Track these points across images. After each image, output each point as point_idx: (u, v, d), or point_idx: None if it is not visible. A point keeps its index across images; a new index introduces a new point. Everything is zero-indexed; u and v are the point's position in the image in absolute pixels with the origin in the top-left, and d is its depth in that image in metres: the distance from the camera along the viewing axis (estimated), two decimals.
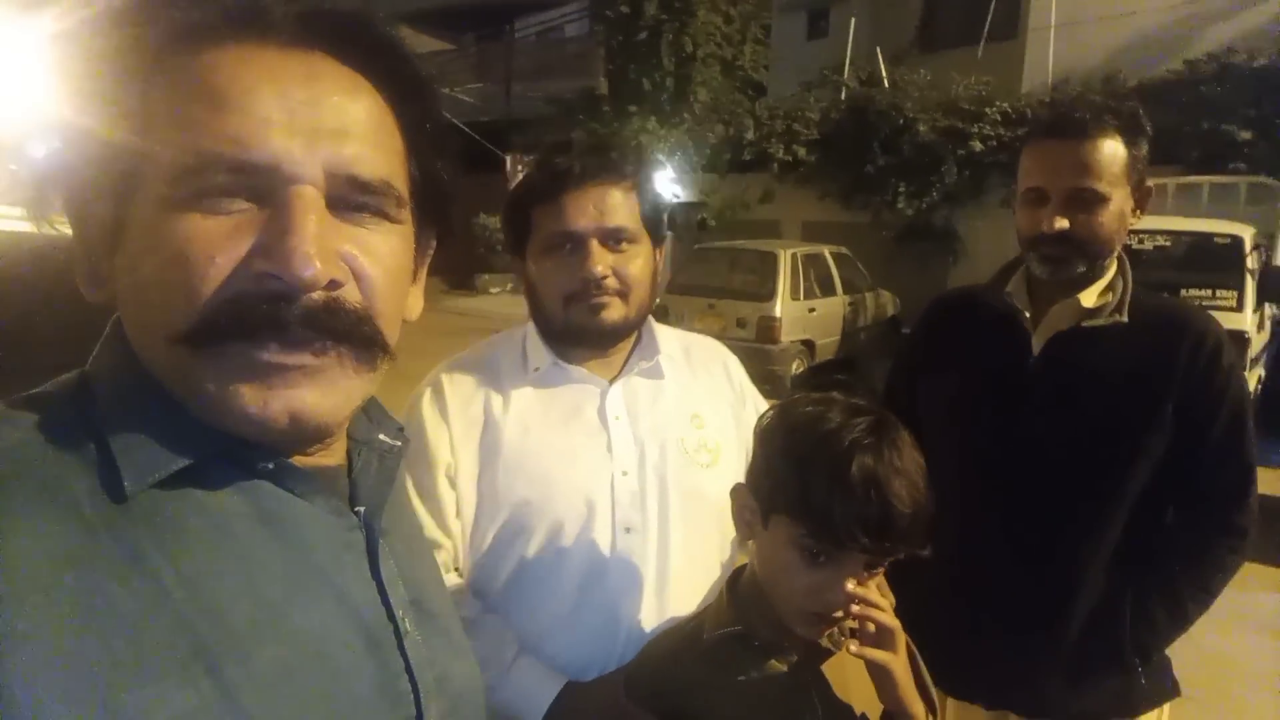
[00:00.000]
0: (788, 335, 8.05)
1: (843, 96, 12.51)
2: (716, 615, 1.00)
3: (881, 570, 0.93)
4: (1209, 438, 1.35)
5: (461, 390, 1.21)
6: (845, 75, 13.10)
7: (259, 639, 0.49)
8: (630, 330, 1.23)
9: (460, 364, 1.25)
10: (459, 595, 1.16)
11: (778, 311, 7.99)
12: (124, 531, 0.46)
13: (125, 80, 0.49)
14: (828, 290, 8.85)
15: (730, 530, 1.25)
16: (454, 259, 15.49)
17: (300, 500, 0.55)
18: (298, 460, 0.56)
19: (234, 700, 0.46)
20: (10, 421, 0.48)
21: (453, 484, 1.17)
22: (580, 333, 1.18)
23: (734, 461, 1.25)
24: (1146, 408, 1.34)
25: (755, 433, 0.97)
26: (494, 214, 15.47)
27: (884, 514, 0.83)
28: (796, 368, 8.39)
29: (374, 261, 0.54)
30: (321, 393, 0.52)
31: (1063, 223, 1.34)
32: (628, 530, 1.16)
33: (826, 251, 9.13)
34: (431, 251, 0.66)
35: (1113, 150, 1.33)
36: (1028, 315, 1.45)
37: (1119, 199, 1.34)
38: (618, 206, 1.16)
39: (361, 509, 0.60)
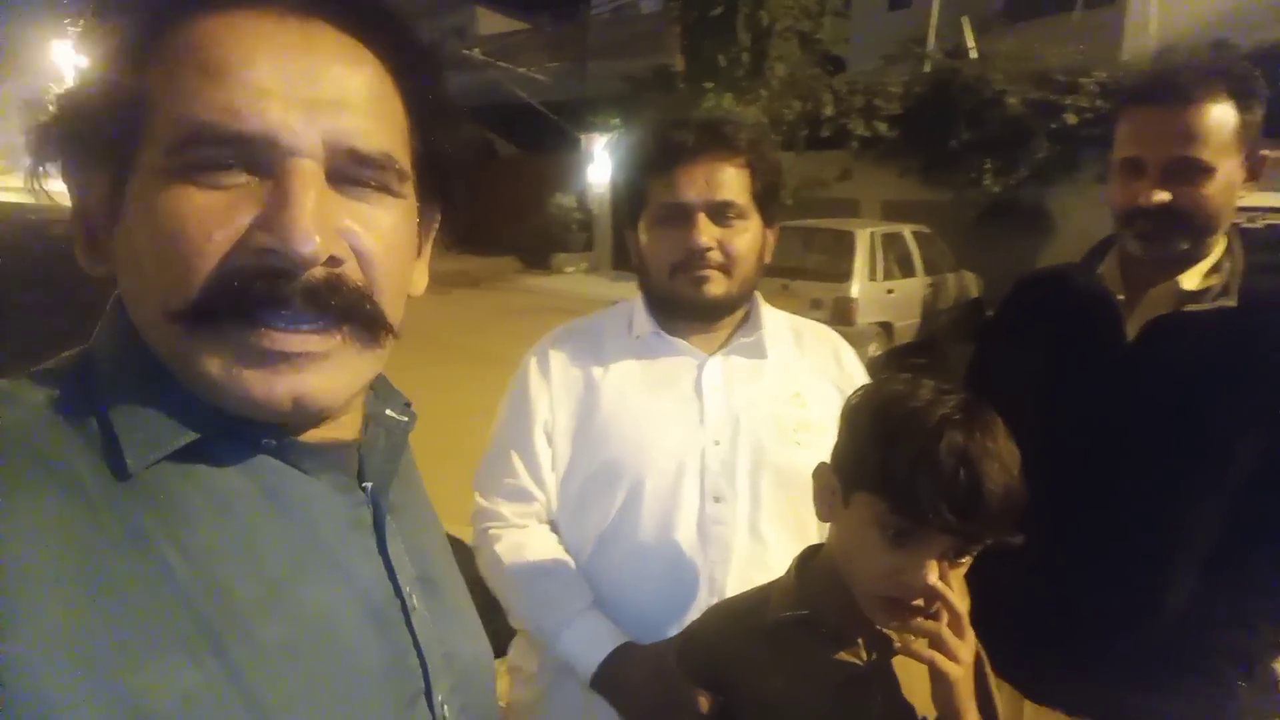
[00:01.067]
0: (864, 317, 7.87)
1: (926, 69, 12.06)
2: (782, 595, 0.99)
3: (964, 565, 0.88)
4: None
5: (565, 352, 1.29)
6: (929, 47, 12.62)
7: (265, 616, 0.49)
8: (733, 306, 1.25)
9: (567, 330, 1.34)
10: (546, 540, 1.24)
11: (854, 292, 7.81)
12: (127, 509, 0.46)
13: (122, 48, 0.48)
14: (907, 271, 8.61)
15: None
16: (530, 238, 15.65)
17: (306, 476, 0.55)
18: (308, 436, 0.56)
19: (240, 678, 0.46)
20: (12, 399, 0.48)
21: (550, 440, 1.25)
22: (682, 304, 1.22)
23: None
24: (1254, 401, 1.23)
25: (842, 412, 0.95)
26: (569, 193, 15.60)
27: (972, 492, 0.79)
28: (873, 350, 8.20)
29: (375, 237, 0.53)
30: (325, 377, 0.51)
31: (1163, 195, 1.22)
32: (717, 499, 1.19)
33: (907, 230, 8.87)
34: (436, 225, 0.65)
35: (1221, 115, 1.20)
36: (1121, 298, 1.34)
37: (1227, 169, 1.22)
38: (728, 181, 1.19)
39: (369, 485, 0.59)
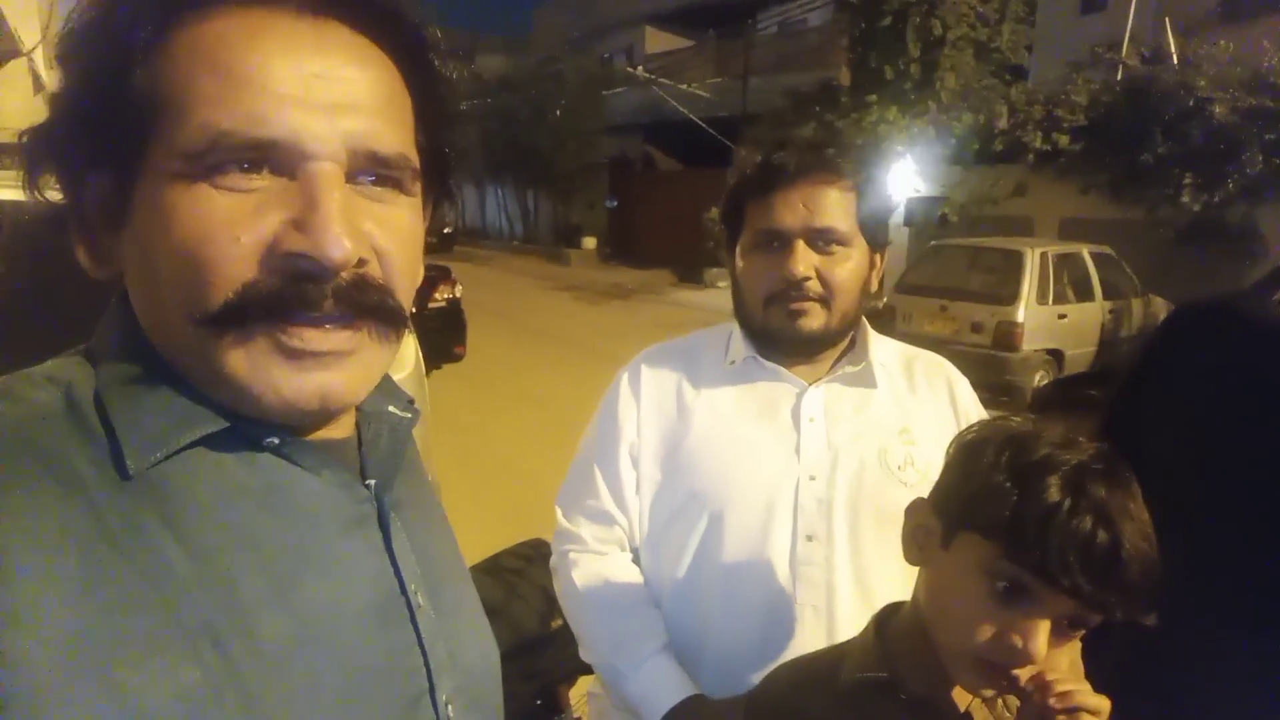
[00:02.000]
0: (1030, 343, 7.33)
1: (1119, 77, 11.08)
2: (861, 655, 0.89)
3: (1078, 638, 0.77)
4: None
5: (658, 373, 1.24)
6: (1123, 52, 11.59)
7: (266, 614, 0.49)
8: (833, 340, 1.18)
9: (663, 349, 1.30)
10: (626, 571, 1.21)
11: (1020, 316, 7.30)
12: (128, 508, 0.46)
13: (129, 49, 0.48)
14: (1084, 295, 7.93)
15: None
16: (685, 252, 15.79)
17: (308, 474, 0.55)
18: (307, 434, 0.56)
19: (240, 676, 0.46)
20: (13, 397, 0.48)
21: (635, 462, 1.20)
22: (777, 337, 1.16)
23: None
24: None
25: (954, 445, 0.86)
26: None
27: (1111, 552, 0.70)
28: (1040, 379, 7.61)
29: (393, 236, 0.53)
30: (350, 373, 0.52)
31: None
32: (810, 539, 1.12)
33: (1085, 251, 8.18)
34: (430, 217, 0.64)
35: None
36: None
37: None
38: (830, 206, 1.12)
39: (373, 482, 0.59)
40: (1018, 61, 13.25)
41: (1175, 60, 10.53)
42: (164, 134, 0.47)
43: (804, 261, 1.10)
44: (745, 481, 1.14)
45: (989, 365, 7.47)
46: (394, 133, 0.53)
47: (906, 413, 1.20)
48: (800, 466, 1.13)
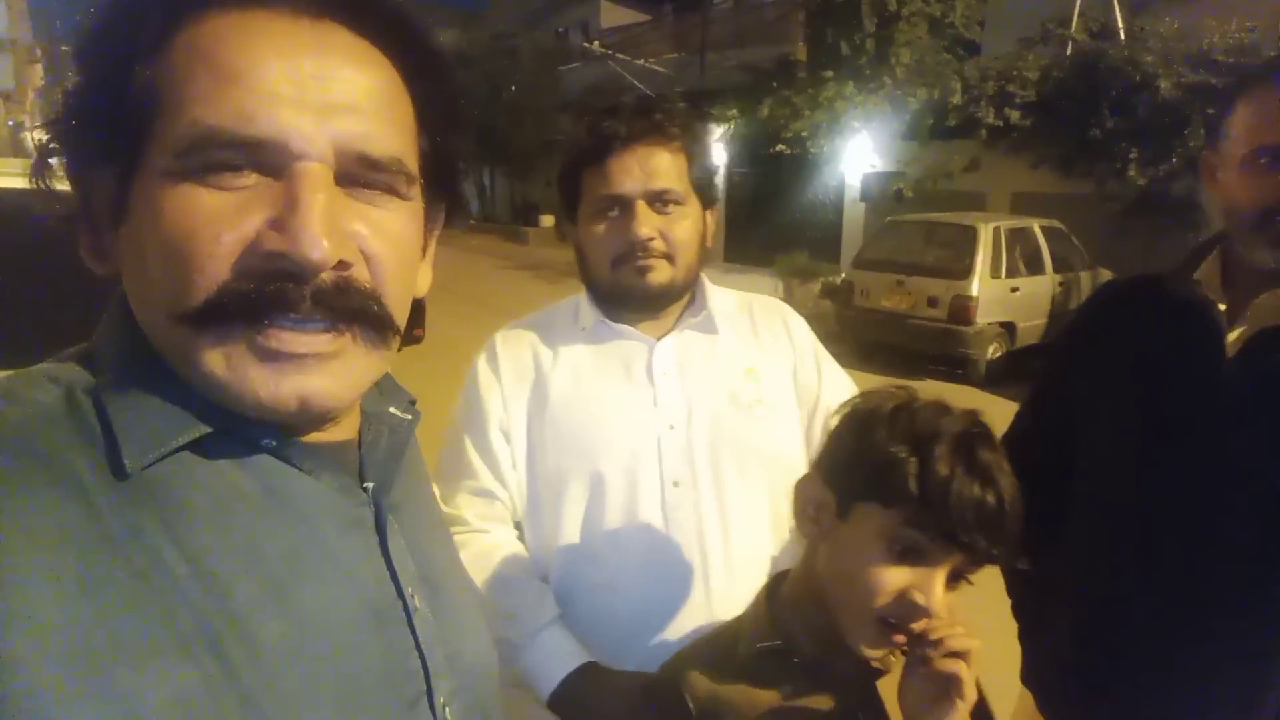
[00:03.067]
0: (984, 316, 7.48)
1: (1068, 52, 11.25)
2: (754, 625, 0.93)
3: (956, 588, 0.84)
4: None
5: (514, 348, 1.27)
6: (1072, 28, 11.76)
7: (264, 616, 0.49)
8: (679, 293, 1.23)
9: (515, 326, 1.31)
10: (511, 547, 1.22)
11: (974, 290, 7.44)
12: (127, 508, 0.46)
13: (132, 48, 0.48)
14: (1035, 268, 8.11)
15: (788, 479, 1.21)
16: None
17: (306, 476, 0.55)
18: (308, 435, 0.56)
19: (237, 677, 0.46)
20: (12, 397, 0.48)
21: (507, 438, 1.23)
22: (627, 295, 1.20)
23: (789, 417, 1.25)
24: None
25: (838, 420, 0.90)
26: None
27: (998, 510, 0.78)
28: (994, 352, 7.77)
29: (383, 241, 0.53)
30: (333, 377, 0.51)
31: None
32: (676, 484, 1.17)
33: (1036, 225, 8.35)
34: (440, 226, 0.64)
35: None
36: (1222, 308, 1.18)
37: None
38: (664, 168, 1.16)
39: (370, 485, 0.59)
40: (970, 37, 13.37)
41: (1123, 36, 10.72)
42: (160, 132, 0.48)
43: (647, 223, 1.15)
44: (611, 439, 1.18)
45: (945, 338, 7.61)
46: (389, 136, 0.53)
47: (750, 353, 1.27)
48: (660, 418, 1.19)
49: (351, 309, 0.51)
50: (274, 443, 0.53)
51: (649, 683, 1.01)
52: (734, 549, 1.17)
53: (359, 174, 0.51)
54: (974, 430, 0.81)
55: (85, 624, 0.42)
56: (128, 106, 0.48)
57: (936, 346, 7.71)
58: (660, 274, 1.18)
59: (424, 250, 0.61)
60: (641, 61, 17.28)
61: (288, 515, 0.53)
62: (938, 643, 0.79)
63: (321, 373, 0.50)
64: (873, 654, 0.85)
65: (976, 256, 7.49)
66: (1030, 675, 1.41)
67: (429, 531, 0.67)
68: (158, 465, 0.48)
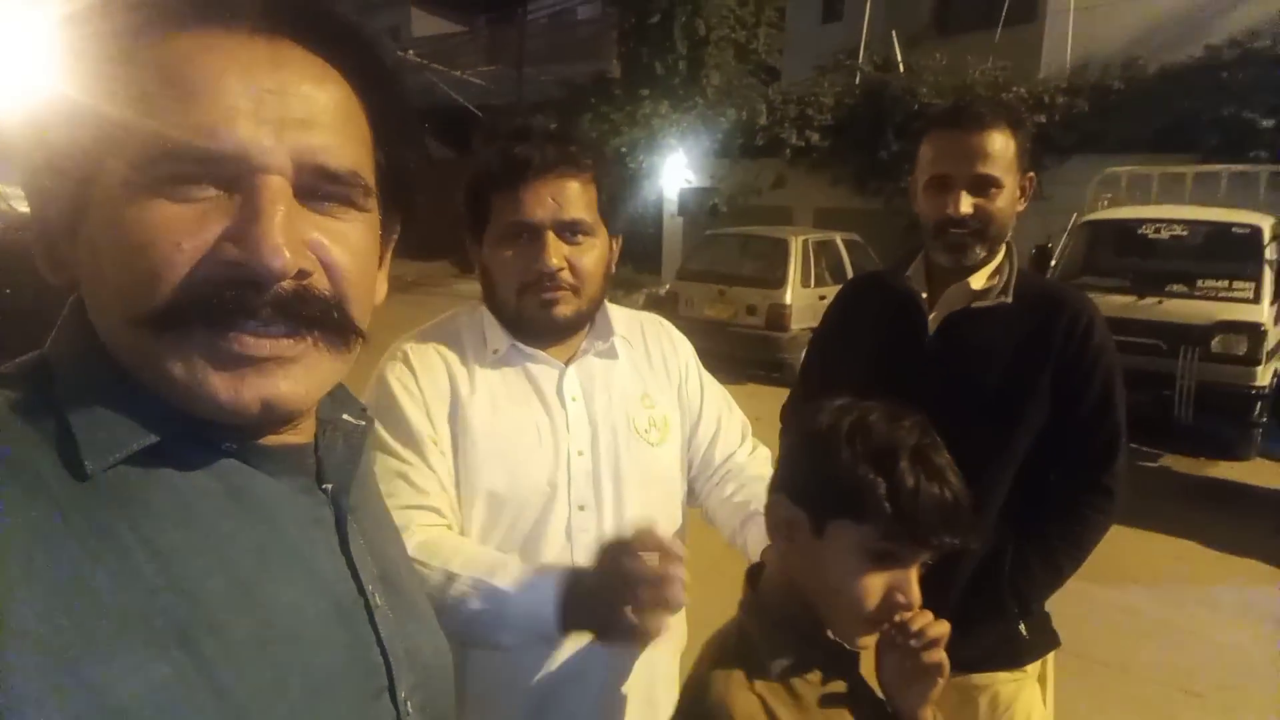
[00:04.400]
0: (798, 323, 8.01)
1: (857, 81, 12.36)
2: (766, 642, 0.94)
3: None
4: (1080, 408, 1.49)
5: (427, 363, 1.19)
6: (860, 60, 12.94)
7: (232, 612, 0.49)
8: (582, 323, 1.24)
9: (424, 336, 1.24)
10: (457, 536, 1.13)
11: (788, 299, 7.96)
12: (91, 509, 0.47)
13: (89, 63, 0.49)
14: (839, 278, 8.77)
15: (678, 498, 1.32)
16: (464, 243, 15.39)
17: (268, 477, 0.56)
18: (267, 439, 0.57)
19: (209, 672, 0.47)
20: None
21: (442, 452, 1.15)
22: (531, 324, 1.19)
23: (676, 440, 1.31)
24: (1027, 381, 1.49)
25: (796, 443, 0.96)
26: None
27: (955, 506, 0.86)
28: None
29: (342, 250, 0.54)
30: (294, 380, 0.52)
31: (968, 205, 1.47)
32: (581, 508, 1.19)
33: (838, 238, 9.07)
34: (396, 236, 0.66)
35: (1005, 141, 1.47)
36: (924, 297, 1.59)
37: (1010, 186, 1.49)
38: (575, 198, 1.15)
39: (329, 486, 0.60)
40: (772, 63, 14.34)
41: (902, 69, 11.92)
42: (120, 144, 0.49)
43: (555, 253, 1.14)
44: (525, 464, 1.17)
45: (764, 344, 8.08)
46: (346, 149, 0.54)
47: (644, 378, 1.31)
48: (570, 443, 1.20)
49: (311, 316, 0.52)
50: (234, 446, 0.54)
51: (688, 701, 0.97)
52: None
53: (317, 186, 0.53)
54: (926, 440, 0.89)
55: (58, 621, 0.42)
56: (87, 119, 0.48)
57: (756, 352, 8.17)
58: (566, 306, 1.17)
59: (380, 259, 0.63)
60: (458, 73, 16.98)
61: (251, 514, 0.54)
62: (919, 632, 0.89)
63: (283, 376, 0.52)
64: (864, 644, 0.94)
65: (789, 267, 8.04)
66: None
67: (384, 533, 0.70)
68: (120, 468, 0.49)
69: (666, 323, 1.44)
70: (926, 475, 0.86)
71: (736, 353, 8.17)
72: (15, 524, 0.43)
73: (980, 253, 1.51)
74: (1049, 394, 1.49)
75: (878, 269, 1.76)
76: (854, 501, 0.87)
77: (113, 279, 0.49)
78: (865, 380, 1.47)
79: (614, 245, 1.26)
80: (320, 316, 0.53)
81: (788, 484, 0.95)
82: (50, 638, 0.42)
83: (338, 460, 0.62)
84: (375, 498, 0.73)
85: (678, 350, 1.39)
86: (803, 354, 1.89)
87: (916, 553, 0.88)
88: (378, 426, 1.13)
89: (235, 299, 0.49)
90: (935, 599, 1.41)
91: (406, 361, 1.20)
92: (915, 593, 0.89)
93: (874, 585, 0.88)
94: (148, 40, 0.49)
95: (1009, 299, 1.52)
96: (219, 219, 0.49)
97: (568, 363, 1.24)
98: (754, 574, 1.03)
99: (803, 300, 8.08)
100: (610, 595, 0.90)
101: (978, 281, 1.54)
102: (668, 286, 9.09)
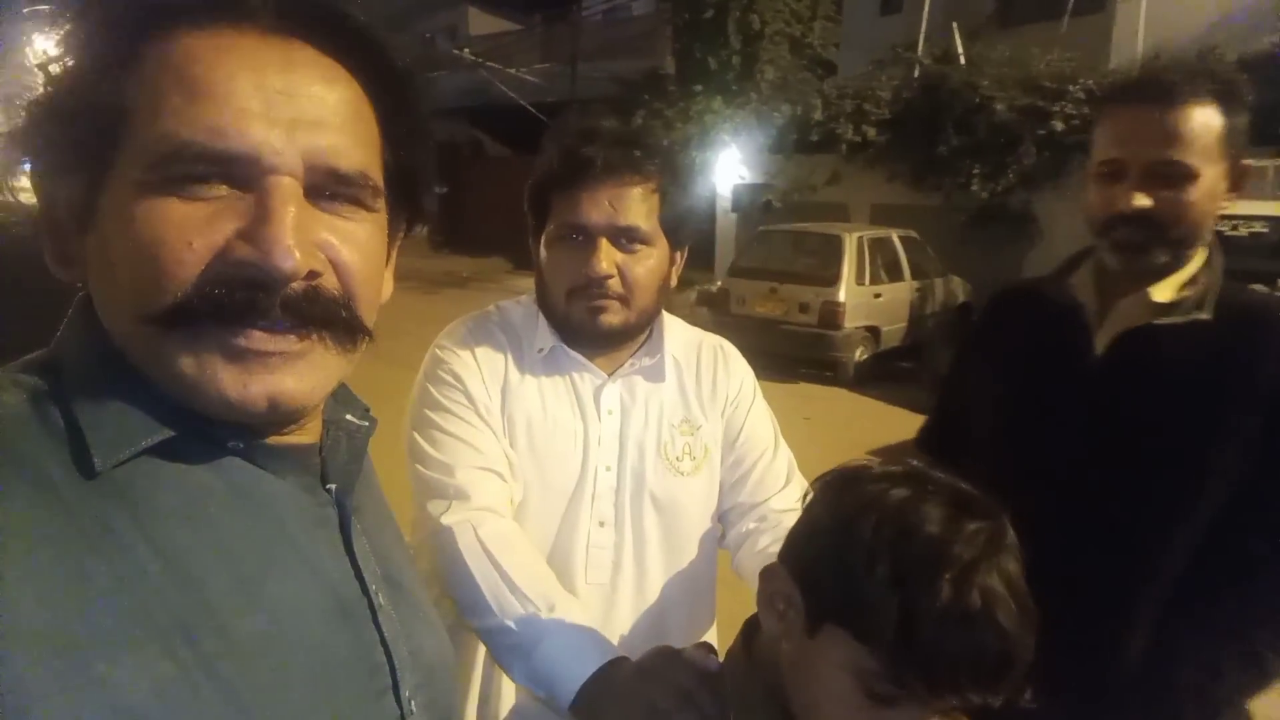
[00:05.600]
0: (851, 321, 7.90)
1: (915, 74, 12.10)
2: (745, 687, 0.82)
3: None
4: None
5: (486, 345, 1.20)
6: (919, 52, 12.66)
7: (236, 610, 0.50)
8: (632, 335, 1.21)
9: (480, 321, 1.25)
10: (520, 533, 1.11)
11: (842, 296, 7.85)
12: (99, 507, 0.47)
13: (102, 61, 0.49)
14: (895, 275, 8.64)
15: (706, 533, 1.26)
16: (519, 238, 15.55)
17: (273, 476, 0.57)
18: (272, 438, 0.57)
19: (213, 669, 0.47)
20: None
21: (493, 415, 1.16)
22: (578, 329, 1.17)
23: (716, 470, 1.27)
24: (1226, 422, 1.16)
25: (812, 507, 0.77)
26: None
27: (1002, 659, 0.64)
28: (860, 354, 8.22)
29: (351, 250, 0.55)
30: (300, 377, 0.53)
31: (1144, 200, 1.16)
32: (601, 524, 1.18)
33: (894, 235, 8.91)
34: (402, 236, 0.66)
35: (1205, 118, 1.14)
36: (1092, 310, 1.28)
37: (1210, 176, 1.15)
38: (635, 206, 1.12)
39: (333, 486, 0.61)
40: (828, 57, 14.13)
41: (963, 61, 11.63)
42: (131, 143, 0.49)
43: (607, 259, 1.11)
44: (554, 468, 1.17)
45: (816, 342, 7.98)
46: (356, 150, 0.55)
47: (688, 404, 1.26)
48: (601, 456, 1.18)
49: (320, 315, 0.53)
50: (240, 444, 0.55)
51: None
52: (645, 598, 1.19)
53: (327, 187, 0.53)
54: (990, 557, 0.65)
55: (65, 619, 0.43)
56: (98, 116, 0.49)
57: (808, 350, 8.08)
58: (613, 315, 1.14)
59: (387, 259, 0.63)
60: (513, 70, 17.16)
61: (256, 513, 0.54)
62: None
63: (290, 372, 0.52)
64: None
65: (843, 264, 7.92)
66: None
67: (387, 534, 0.70)
68: (127, 466, 0.49)
69: (729, 346, 1.37)
70: (967, 607, 0.62)
71: (788, 351, 8.09)
72: (21, 522, 0.44)
73: (1161, 257, 1.19)
74: (1257, 442, 1.15)
75: (1034, 276, 1.39)
76: (854, 614, 0.67)
77: (123, 276, 0.50)
78: (1010, 414, 1.34)
79: (677, 258, 1.21)
80: (329, 316, 0.53)
81: (791, 555, 0.77)
82: (57, 636, 0.42)
83: (341, 461, 0.62)
84: (378, 499, 0.73)
85: (730, 376, 1.32)
86: (942, 378, 1.60)
87: (928, 703, 0.66)
88: (433, 391, 1.17)
89: (246, 300, 0.49)
90: (1091, 699, 1.20)
91: (465, 338, 1.21)
92: None
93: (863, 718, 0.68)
94: (160, 39, 0.50)
95: (1206, 314, 1.18)
96: (230, 218, 0.49)
97: (611, 375, 1.22)
98: (752, 629, 0.87)
99: (857, 298, 7.96)
100: (648, 696, 0.87)
101: (1163, 293, 1.21)
102: (719, 284, 9.03)
